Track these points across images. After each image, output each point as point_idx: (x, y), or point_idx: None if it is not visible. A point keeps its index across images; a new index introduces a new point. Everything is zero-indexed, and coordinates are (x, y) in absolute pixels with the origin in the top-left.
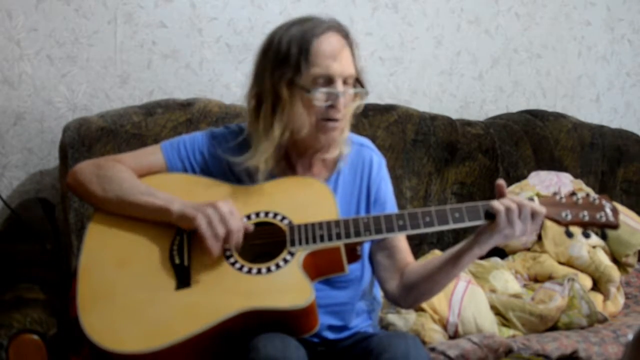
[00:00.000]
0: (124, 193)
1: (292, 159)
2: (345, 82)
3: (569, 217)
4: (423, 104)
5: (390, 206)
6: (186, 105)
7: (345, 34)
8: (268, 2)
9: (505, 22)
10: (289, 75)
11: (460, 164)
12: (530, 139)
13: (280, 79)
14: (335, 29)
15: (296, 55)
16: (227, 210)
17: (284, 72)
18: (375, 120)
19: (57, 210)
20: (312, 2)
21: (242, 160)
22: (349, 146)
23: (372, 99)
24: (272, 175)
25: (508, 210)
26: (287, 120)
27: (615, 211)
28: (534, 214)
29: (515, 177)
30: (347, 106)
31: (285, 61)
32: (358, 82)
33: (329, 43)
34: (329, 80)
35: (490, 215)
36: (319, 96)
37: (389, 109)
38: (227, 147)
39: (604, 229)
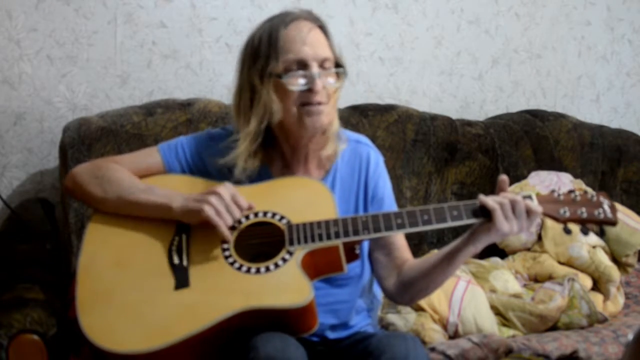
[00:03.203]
0: (124, 192)
1: (287, 157)
2: (322, 66)
3: (567, 214)
4: (423, 104)
5: (389, 202)
6: (186, 105)
7: (315, 20)
8: (268, 2)
9: (505, 22)
10: (260, 65)
11: (460, 164)
12: (530, 139)
13: (254, 71)
14: (304, 17)
15: (266, 45)
16: (229, 194)
17: (256, 64)
18: (375, 120)
19: (57, 210)
20: (312, 2)
21: (224, 161)
22: (344, 143)
23: (372, 99)
24: (269, 176)
25: (502, 206)
26: (264, 111)
27: (613, 208)
28: (529, 211)
29: (515, 177)
30: (329, 89)
31: (257, 54)
32: (338, 66)
33: (297, 29)
34: (303, 65)
35: (486, 213)
36: (293, 80)
37: (389, 109)
38: (217, 148)
39: (602, 225)
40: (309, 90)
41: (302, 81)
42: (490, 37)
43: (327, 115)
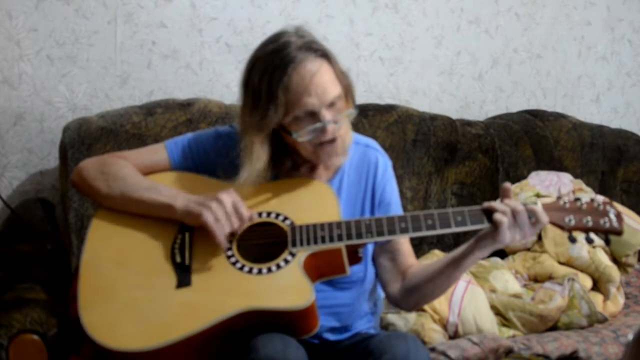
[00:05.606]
0: (128, 189)
1: (298, 162)
2: (332, 104)
3: (573, 223)
4: (423, 104)
5: (395, 208)
6: (186, 105)
7: (316, 52)
8: (268, 2)
9: (505, 22)
10: (270, 125)
11: (460, 164)
12: (530, 139)
13: (260, 126)
14: (304, 56)
15: (266, 101)
16: (231, 202)
17: (261, 118)
18: (375, 120)
19: (57, 210)
20: (312, 2)
21: (236, 181)
22: (352, 148)
23: (372, 99)
24: (275, 176)
25: (505, 215)
26: (274, 150)
27: (619, 217)
28: (535, 220)
29: (515, 177)
30: (339, 122)
31: (262, 109)
32: (347, 90)
33: (300, 78)
34: (312, 114)
35: (490, 220)
36: (303, 134)
37: (389, 109)
38: (225, 147)
39: (607, 234)
40: (321, 133)
41: (312, 132)
42: (490, 37)
43: (343, 140)
